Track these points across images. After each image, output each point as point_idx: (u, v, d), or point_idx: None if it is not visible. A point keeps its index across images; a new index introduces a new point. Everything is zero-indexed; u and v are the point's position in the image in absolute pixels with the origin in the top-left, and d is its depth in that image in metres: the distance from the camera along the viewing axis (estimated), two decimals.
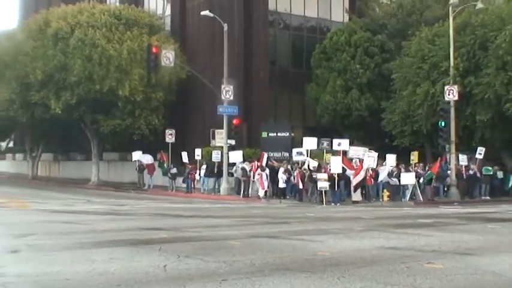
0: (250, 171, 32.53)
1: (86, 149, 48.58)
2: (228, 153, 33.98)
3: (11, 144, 71.15)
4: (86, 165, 49.02)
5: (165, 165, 39.01)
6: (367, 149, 32.56)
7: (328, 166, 30.33)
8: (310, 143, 32.06)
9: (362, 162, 30.51)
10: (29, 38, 41.54)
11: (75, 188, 41.78)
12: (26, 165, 56.75)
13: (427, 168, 32.66)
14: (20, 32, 45.05)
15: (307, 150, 31.87)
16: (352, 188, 29.88)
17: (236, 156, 33.60)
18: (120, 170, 47.43)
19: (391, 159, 31.67)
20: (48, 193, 36.11)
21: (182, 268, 10.08)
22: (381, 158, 32.03)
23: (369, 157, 30.76)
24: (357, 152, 32.41)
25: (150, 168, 39.99)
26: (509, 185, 33.29)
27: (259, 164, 32.21)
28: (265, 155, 33.13)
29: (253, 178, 32.12)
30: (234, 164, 33.98)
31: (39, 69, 39.36)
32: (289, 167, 32.06)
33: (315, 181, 29.64)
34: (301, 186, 30.61)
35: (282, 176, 31.41)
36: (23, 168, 58.45)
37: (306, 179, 30.38)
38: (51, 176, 56.11)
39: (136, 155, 40.19)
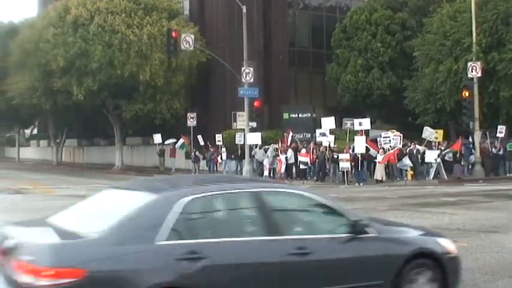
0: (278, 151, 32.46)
1: (109, 134, 48.91)
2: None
3: (35, 132, 71.99)
4: (109, 150, 49.40)
5: (185, 148, 39.26)
6: (388, 131, 32.09)
7: (349, 146, 30.17)
8: (328, 122, 31.86)
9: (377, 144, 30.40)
10: (50, 26, 41.66)
11: (100, 173, 42.08)
12: (51, 151, 57.37)
13: (448, 148, 32.18)
14: (40, 19, 45.24)
15: (330, 131, 31.70)
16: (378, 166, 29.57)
17: (254, 138, 33.36)
18: (143, 154, 47.68)
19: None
20: (73, 178, 36.46)
21: None
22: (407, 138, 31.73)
23: (394, 136, 30.46)
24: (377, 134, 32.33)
25: (172, 151, 40.22)
26: None
27: (285, 145, 32.34)
28: (290, 134, 33.10)
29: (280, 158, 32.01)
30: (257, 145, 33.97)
31: (61, 56, 39.54)
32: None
33: (336, 161, 29.58)
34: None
35: (302, 158, 31.29)
36: (48, 155, 59.13)
37: (328, 159, 30.36)
38: (76, 161, 56.65)
39: (157, 138, 40.44)
